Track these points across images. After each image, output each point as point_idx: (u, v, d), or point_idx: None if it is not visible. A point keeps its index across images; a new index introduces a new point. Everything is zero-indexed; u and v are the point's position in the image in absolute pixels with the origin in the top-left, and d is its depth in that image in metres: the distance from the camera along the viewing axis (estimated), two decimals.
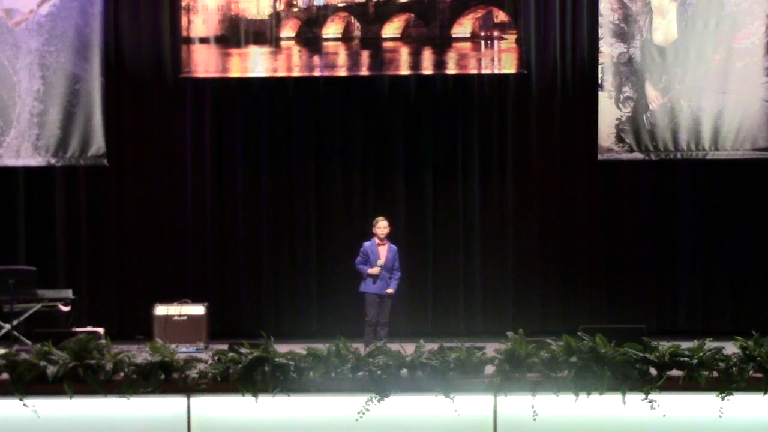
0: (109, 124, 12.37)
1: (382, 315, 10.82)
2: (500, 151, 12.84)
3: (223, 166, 12.86)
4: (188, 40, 12.30)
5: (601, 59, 12.16)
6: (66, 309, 11.47)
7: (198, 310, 11.54)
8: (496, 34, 12.26)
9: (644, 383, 7.87)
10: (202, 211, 12.80)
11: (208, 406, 7.97)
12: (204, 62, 12.34)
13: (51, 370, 7.88)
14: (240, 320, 12.67)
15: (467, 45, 12.26)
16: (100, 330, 10.92)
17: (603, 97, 12.15)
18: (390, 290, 10.90)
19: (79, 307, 11.80)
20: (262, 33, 12.31)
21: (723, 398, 7.86)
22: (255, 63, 12.38)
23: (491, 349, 8.20)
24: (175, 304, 11.60)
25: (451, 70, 12.34)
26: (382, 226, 10.94)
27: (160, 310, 11.49)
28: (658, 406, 7.80)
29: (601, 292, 12.79)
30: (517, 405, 7.89)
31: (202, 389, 7.93)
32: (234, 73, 12.42)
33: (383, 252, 10.87)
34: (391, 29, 12.28)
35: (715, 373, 7.93)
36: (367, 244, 10.96)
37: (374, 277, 10.78)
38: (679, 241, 12.77)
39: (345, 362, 7.97)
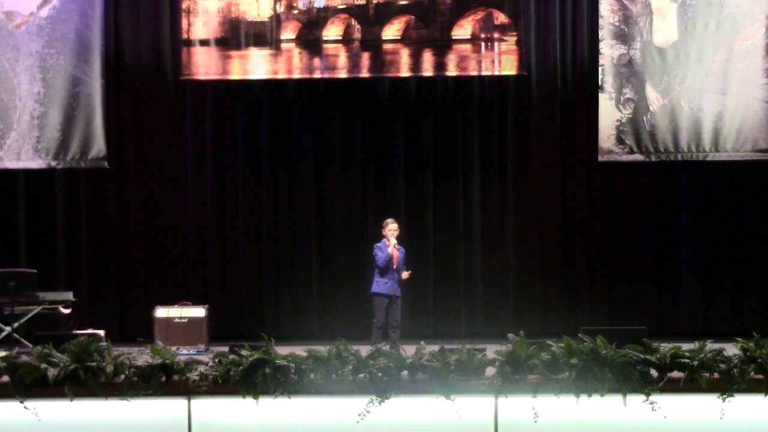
0: (110, 126, 12.37)
1: (393, 317, 10.71)
2: (500, 153, 12.83)
3: (223, 168, 12.86)
4: (188, 43, 12.31)
5: (601, 61, 12.16)
6: (67, 311, 11.48)
7: (198, 312, 11.53)
8: (496, 35, 12.26)
9: (645, 385, 7.87)
10: (202, 213, 12.80)
11: (208, 409, 7.97)
12: (204, 64, 12.35)
13: (52, 372, 7.89)
14: (240, 322, 12.66)
15: (467, 47, 12.27)
16: (101, 332, 10.94)
17: (603, 99, 12.15)
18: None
19: (79, 309, 11.82)
20: (263, 35, 12.31)
21: (724, 400, 7.86)
22: (255, 65, 12.39)
23: (492, 350, 8.20)
24: (176, 306, 11.58)
25: (452, 71, 12.35)
26: (392, 228, 10.79)
27: (161, 312, 11.47)
28: (659, 407, 7.80)
29: (602, 294, 12.78)
30: (517, 407, 7.88)
31: (203, 391, 7.93)
32: (234, 75, 12.42)
33: (394, 253, 10.79)
34: (392, 31, 12.29)
35: (716, 375, 7.92)
36: (378, 245, 10.83)
37: (386, 272, 10.65)
38: (679, 242, 12.77)
39: (346, 364, 7.97)
